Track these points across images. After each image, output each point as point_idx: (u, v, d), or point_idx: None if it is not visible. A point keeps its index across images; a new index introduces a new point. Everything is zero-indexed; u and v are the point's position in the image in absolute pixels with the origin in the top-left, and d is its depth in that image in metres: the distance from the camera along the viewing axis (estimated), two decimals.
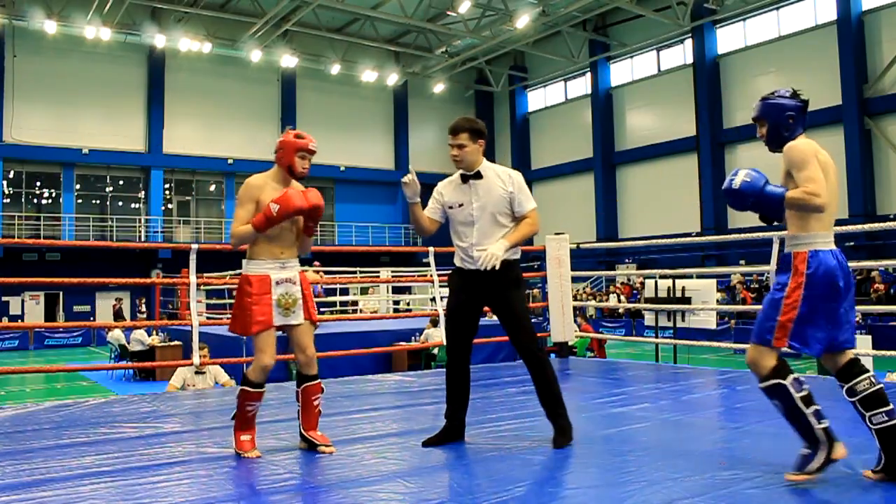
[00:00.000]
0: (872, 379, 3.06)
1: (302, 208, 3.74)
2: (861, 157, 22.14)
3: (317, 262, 18.00)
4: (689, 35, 27.08)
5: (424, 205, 4.01)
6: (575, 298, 10.96)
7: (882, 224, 6.68)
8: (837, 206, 3.19)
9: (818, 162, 3.08)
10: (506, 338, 4.17)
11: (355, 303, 15.38)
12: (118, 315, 24.09)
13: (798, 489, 3.01)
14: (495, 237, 3.84)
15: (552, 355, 8.47)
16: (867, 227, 6.76)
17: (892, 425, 2.98)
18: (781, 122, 3.22)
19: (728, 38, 26.59)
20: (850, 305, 3.16)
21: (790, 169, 3.13)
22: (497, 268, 3.73)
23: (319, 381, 3.96)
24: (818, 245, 3.10)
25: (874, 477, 3.06)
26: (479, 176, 3.90)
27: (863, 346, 13.15)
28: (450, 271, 4.10)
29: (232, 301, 16.93)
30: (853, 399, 3.07)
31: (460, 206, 3.92)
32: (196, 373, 7.69)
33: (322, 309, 16.56)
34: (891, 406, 2.99)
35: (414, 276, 18.23)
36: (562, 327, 7.94)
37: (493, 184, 3.89)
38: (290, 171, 3.87)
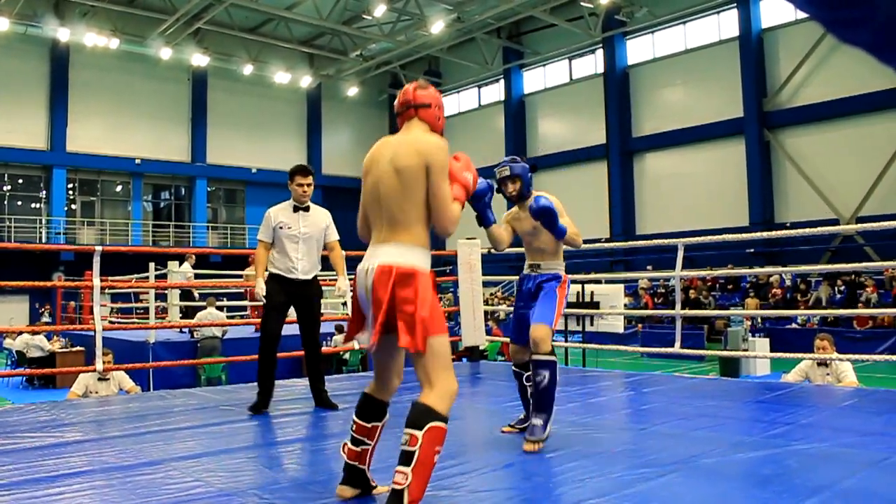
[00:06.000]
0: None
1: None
2: (761, 168, 23.08)
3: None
4: (601, 45, 27.69)
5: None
6: (486, 303, 11.06)
7: (779, 232, 6.97)
8: None
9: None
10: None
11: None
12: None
13: (700, 482, 3.12)
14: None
15: (463, 359, 8.52)
16: (765, 234, 7.04)
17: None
18: (529, 180, 4.18)
19: (637, 50, 27.31)
20: None
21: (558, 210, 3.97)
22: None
23: None
24: (565, 267, 4.20)
25: (512, 430, 4.27)
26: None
27: (761, 348, 13.75)
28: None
29: (137, 305, 16.48)
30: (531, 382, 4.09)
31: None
32: (99, 379, 7.43)
33: (238, 314, 16.26)
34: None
35: (325, 279, 17.99)
36: (473, 332, 7.90)
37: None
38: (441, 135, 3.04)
